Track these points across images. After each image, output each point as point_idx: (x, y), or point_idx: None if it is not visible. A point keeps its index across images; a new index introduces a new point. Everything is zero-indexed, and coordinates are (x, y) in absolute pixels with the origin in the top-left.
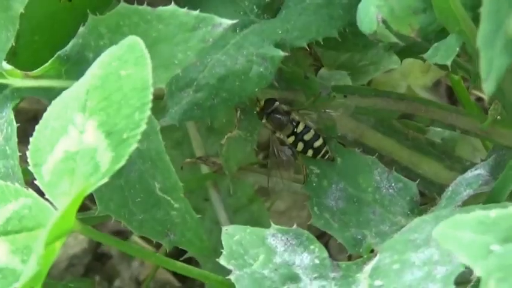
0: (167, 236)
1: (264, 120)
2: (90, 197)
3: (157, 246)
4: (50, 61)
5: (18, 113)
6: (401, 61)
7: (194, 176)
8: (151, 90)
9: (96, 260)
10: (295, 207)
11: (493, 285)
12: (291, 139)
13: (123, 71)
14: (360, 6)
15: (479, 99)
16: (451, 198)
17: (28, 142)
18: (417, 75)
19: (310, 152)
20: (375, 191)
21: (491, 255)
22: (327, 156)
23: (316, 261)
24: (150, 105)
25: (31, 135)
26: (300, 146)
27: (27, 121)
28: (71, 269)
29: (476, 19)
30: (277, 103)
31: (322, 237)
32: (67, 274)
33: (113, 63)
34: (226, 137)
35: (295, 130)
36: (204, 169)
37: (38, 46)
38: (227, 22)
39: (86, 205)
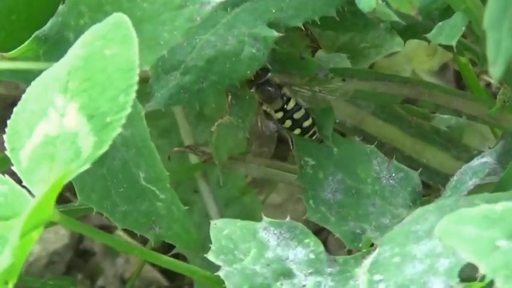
0: (152, 229)
1: (253, 90)
2: (71, 189)
3: (143, 242)
4: (27, 42)
5: None
6: (404, 43)
7: (182, 166)
8: (138, 71)
9: (78, 257)
10: (291, 201)
11: (500, 283)
12: (279, 115)
13: (108, 50)
14: None
15: (489, 85)
16: (455, 187)
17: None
18: (422, 59)
19: (297, 131)
20: (375, 182)
21: (497, 252)
22: (314, 137)
23: (312, 255)
24: (135, 87)
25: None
26: (288, 123)
27: (5, 108)
28: (51, 266)
29: None
30: (270, 74)
31: (320, 234)
32: (47, 272)
33: (97, 42)
34: (216, 123)
35: (285, 106)
36: (193, 159)
37: (14, 26)
38: (216, 0)
39: (67, 198)
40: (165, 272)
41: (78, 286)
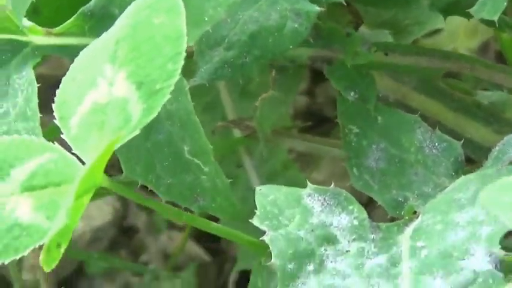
0: (196, 202)
1: None
2: (114, 165)
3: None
4: (72, 18)
5: (38, 79)
6: (445, 19)
7: (226, 140)
8: (186, 39)
9: (122, 234)
10: (334, 178)
11: None
12: None
13: (155, 19)
14: None
15: None
16: (497, 158)
17: (50, 109)
18: (464, 37)
19: None
20: (418, 151)
21: None
22: None
23: (355, 222)
24: (184, 54)
25: (53, 101)
26: None
27: (49, 87)
28: (95, 242)
29: None
30: None
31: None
32: (91, 248)
33: (144, 11)
34: (260, 98)
35: None
36: (237, 133)
37: (60, 2)
38: None
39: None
40: (207, 249)
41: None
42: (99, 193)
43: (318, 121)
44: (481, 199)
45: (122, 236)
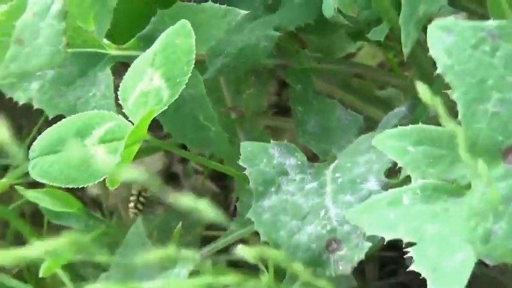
0: (208, 148)
1: None
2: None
3: None
4: (132, 39)
5: None
6: (355, 43)
7: (227, 119)
8: (194, 53)
9: (168, 178)
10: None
11: (409, 171)
12: None
13: (177, 40)
14: (324, 1)
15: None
16: (382, 125)
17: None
18: (369, 58)
19: None
20: (337, 122)
21: (407, 153)
22: None
23: (299, 162)
24: (193, 61)
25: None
26: None
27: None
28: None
29: (398, 12)
30: None
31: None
32: None
33: (170, 35)
34: (246, 93)
35: None
36: (233, 115)
37: (125, 29)
38: (243, 12)
39: None
40: (217, 184)
41: None
42: (153, 150)
43: (282, 109)
44: (374, 143)
45: (168, 179)
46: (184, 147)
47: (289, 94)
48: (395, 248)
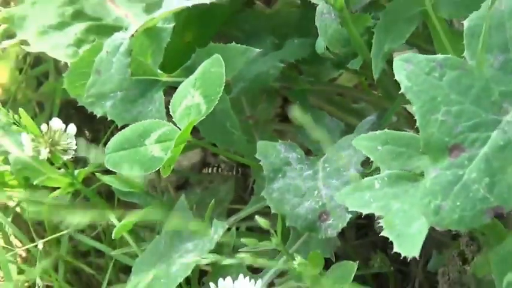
0: (232, 146)
1: None
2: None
3: None
4: (179, 69)
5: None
6: (338, 70)
7: (246, 125)
8: (225, 78)
9: (203, 167)
10: (293, 141)
11: (378, 164)
12: None
13: (212, 68)
14: (317, 40)
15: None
16: (358, 129)
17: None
18: (347, 80)
19: None
20: (326, 127)
21: (377, 151)
22: None
23: (299, 156)
24: (223, 84)
25: None
26: None
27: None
28: (193, 169)
29: (370, 48)
30: None
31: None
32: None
33: (207, 65)
34: (259, 106)
35: None
36: (250, 122)
37: (173, 62)
38: (257, 50)
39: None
40: (238, 171)
41: None
42: (192, 147)
43: (286, 118)
44: (353, 143)
45: (203, 168)
46: (215, 145)
47: (290, 107)
48: (366, 216)
